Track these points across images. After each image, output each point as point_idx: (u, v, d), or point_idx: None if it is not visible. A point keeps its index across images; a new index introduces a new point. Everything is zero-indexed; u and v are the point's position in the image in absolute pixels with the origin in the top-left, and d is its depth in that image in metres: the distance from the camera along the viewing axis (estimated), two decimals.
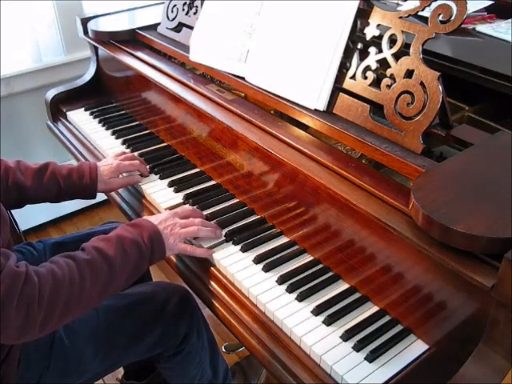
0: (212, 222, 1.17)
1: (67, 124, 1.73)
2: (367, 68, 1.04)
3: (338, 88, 1.09)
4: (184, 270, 1.15)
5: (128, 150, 1.49)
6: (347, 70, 1.07)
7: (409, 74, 0.97)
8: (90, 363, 1.12)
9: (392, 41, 1.01)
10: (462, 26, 0.92)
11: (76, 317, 0.94)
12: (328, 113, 1.09)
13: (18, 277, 0.84)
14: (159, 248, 1.05)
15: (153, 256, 1.05)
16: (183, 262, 1.16)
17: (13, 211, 1.23)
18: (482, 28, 1.37)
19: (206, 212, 1.22)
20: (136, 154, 1.44)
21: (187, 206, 1.21)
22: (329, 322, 0.94)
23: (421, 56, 0.95)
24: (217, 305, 1.06)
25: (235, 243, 1.12)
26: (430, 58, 1.12)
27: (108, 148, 1.52)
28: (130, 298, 1.20)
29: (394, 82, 0.99)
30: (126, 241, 1.01)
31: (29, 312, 0.84)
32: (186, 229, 1.10)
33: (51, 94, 1.78)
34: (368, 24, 1.04)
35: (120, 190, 1.40)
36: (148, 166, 1.40)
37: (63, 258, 0.94)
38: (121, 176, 1.34)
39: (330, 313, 0.95)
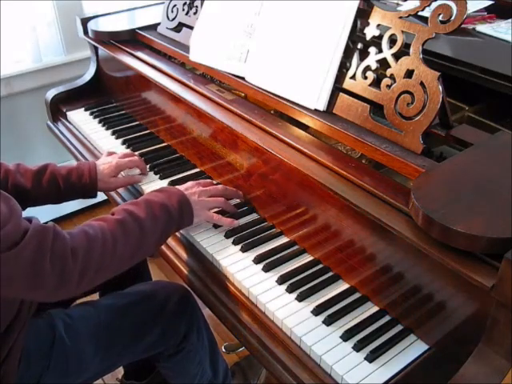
0: (233, 189, 1.22)
1: (67, 124, 1.73)
2: (367, 68, 1.04)
3: (338, 88, 1.09)
4: (184, 269, 1.15)
5: (128, 150, 1.49)
6: (347, 70, 1.07)
7: (409, 73, 0.97)
8: (91, 362, 1.12)
9: (392, 41, 1.01)
10: (462, 26, 0.92)
11: (107, 276, 0.96)
12: (328, 113, 1.09)
13: (47, 231, 0.86)
14: (188, 213, 1.07)
15: (182, 220, 1.07)
16: (183, 261, 1.16)
17: None
18: (482, 28, 1.37)
19: None
20: (136, 153, 1.44)
21: (207, 180, 1.23)
22: (329, 321, 0.94)
23: (421, 56, 0.95)
24: (217, 305, 1.06)
25: (235, 243, 1.12)
26: (430, 58, 1.12)
27: (108, 148, 1.52)
28: (130, 298, 1.21)
29: (394, 81, 0.99)
30: (154, 204, 1.02)
31: (64, 265, 0.86)
32: (214, 198, 1.14)
33: (51, 94, 1.78)
34: (368, 24, 1.04)
35: (120, 190, 1.40)
36: (148, 166, 1.40)
37: (94, 220, 0.97)
38: (121, 175, 1.34)
39: (330, 313, 0.95)
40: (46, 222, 0.94)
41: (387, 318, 0.95)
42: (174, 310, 1.21)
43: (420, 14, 0.98)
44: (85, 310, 1.16)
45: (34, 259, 0.83)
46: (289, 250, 1.11)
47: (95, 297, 1.34)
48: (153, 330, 1.18)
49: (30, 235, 0.84)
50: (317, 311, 0.96)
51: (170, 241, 1.20)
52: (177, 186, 1.15)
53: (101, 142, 1.55)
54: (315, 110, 1.10)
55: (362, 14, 1.05)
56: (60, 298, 0.91)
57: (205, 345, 1.29)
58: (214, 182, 1.33)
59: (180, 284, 1.26)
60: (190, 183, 1.16)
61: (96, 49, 1.76)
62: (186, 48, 1.39)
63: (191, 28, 1.40)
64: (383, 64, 1.02)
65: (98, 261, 0.91)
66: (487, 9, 1.48)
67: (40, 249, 0.84)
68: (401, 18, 0.99)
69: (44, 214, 2.39)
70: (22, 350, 1.03)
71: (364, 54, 1.05)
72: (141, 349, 1.19)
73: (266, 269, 1.05)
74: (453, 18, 0.91)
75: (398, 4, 1.49)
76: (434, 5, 0.94)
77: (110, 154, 1.37)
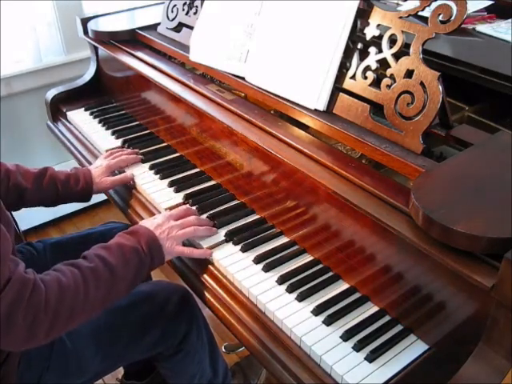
0: (205, 219, 1.19)
1: (67, 124, 1.73)
2: (367, 68, 1.04)
3: (338, 88, 1.09)
4: (184, 269, 1.15)
5: (129, 156, 1.49)
6: (347, 70, 1.07)
7: (409, 73, 0.97)
8: (91, 363, 1.12)
9: (392, 41, 1.01)
10: (462, 26, 0.92)
11: (79, 323, 0.95)
12: (328, 113, 1.09)
13: (27, 283, 0.85)
14: (158, 254, 1.06)
15: (152, 262, 1.05)
16: (183, 262, 1.16)
17: (13, 211, 1.24)
18: (482, 28, 1.37)
19: (206, 213, 1.22)
20: (126, 150, 1.47)
21: (181, 207, 1.20)
22: (329, 321, 0.94)
23: (421, 56, 0.95)
24: (217, 305, 1.06)
25: (235, 243, 1.12)
26: (430, 58, 1.12)
27: (108, 148, 1.52)
28: (130, 298, 1.20)
29: (394, 81, 0.99)
30: (125, 248, 1.02)
31: (35, 318, 0.85)
32: (183, 230, 1.11)
33: (51, 94, 1.78)
34: (368, 24, 1.04)
35: (120, 190, 1.40)
36: (148, 166, 1.41)
37: (67, 266, 0.95)
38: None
39: (330, 313, 0.95)
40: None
41: (387, 318, 0.95)
42: (174, 311, 1.21)
43: (420, 13, 0.98)
44: None
45: (9, 310, 0.82)
46: (289, 250, 1.11)
47: None
48: (153, 330, 1.18)
49: (11, 286, 0.83)
50: (317, 311, 0.96)
51: None
52: (148, 222, 1.11)
53: (101, 142, 1.55)
54: (315, 109, 1.10)
55: (362, 14, 1.05)
56: (26, 347, 0.90)
57: (204, 345, 1.29)
58: (213, 182, 1.33)
59: (180, 285, 1.26)
60: (161, 218, 1.12)
61: (96, 49, 1.76)
62: (186, 48, 1.39)
63: (191, 28, 1.40)
64: (383, 64, 1.02)
65: (69, 310, 0.90)
66: (487, 9, 1.48)
67: (17, 300, 0.83)
68: (401, 17, 0.99)
69: (44, 214, 2.40)
70: (22, 350, 1.03)
71: (364, 54, 1.05)
72: (141, 349, 1.19)
73: (266, 269, 1.05)
74: (453, 18, 0.91)
75: (397, 4, 1.49)
76: (434, 5, 0.94)
77: (108, 155, 1.42)
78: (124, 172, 1.39)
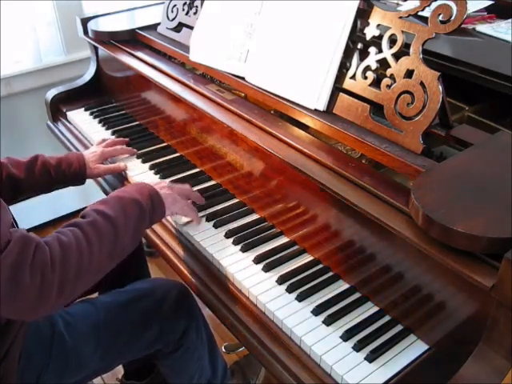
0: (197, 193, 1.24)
1: (67, 124, 1.73)
2: (367, 68, 1.04)
3: (337, 88, 1.09)
4: (184, 269, 1.15)
5: (124, 146, 1.50)
6: (347, 69, 1.07)
7: (409, 74, 0.97)
8: (90, 360, 1.13)
9: (392, 41, 1.01)
10: (462, 26, 0.92)
11: (91, 283, 0.94)
12: (328, 113, 1.09)
13: (30, 241, 0.84)
14: (159, 205, 1.08)
15: (154, 213, 1.06)
16: (183, 261, 1.16)
17: (13, 211, 1.23)
18: (482, 28, 1.37)
19: (206, 212, 1.22)
20: (122, 140, 1.50)
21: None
22: (329, 321, 0.94)
23: (421, 56, 0.95)
24: (217, 305, 1.06)
25: (235, 243, 1.12)
26: (430, 58, 1.12)
27: None
28: (128, 295, 1.21)
29: (394, 81, 0.99)
30: (125, 200, 1.02)
31: (43, 278, 0.83)
32: (182, 188, 1.17)
33: (51, 94, 1.78)
34: (368, 24, 1.04)
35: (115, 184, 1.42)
36: (148, 166, 1.41)
37: (66, 226, 0.95)
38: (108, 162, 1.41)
39: (330, 313, 0.95)
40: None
41: (387, 318, 0.95)
42: (173, 307, 1.21)
43: (420, 13, 0.98)
44: (84, 307, 1.16)
45: (14, 269, 0.81)
46: (289, 250, 1.11)
47: (95, 295, 1.34)
48: (152, 326, 1.19)
49: (13, 245, 0.82)
50: (317, 311, 0.96)
51: (170, 240, 1.20)
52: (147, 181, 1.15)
53: None
54: (315, 110, 1.10)
55: (362, 14, 1.05)
56: (39, 314, 0.88)
57: (204, 342, 1.30)
58: (213, 182, 1.34)
59: (178, 281, 1.26)
60: (158, 180, 1.18)
61: (96, 49, 1.76)
62: (186, 48, 1.39)
63: (191, 28, 1.40)
64: (383, 64, 1.02)
65: (76, 268, 0.88)
66: (487, 9, 1.48)
67: (21, 259, 0.82)
68: (401, 17, 0.99)
69: (44, 214, 2.40)
70: (22, 347, 1.03)
71: (364, 54, 1.05)
72: (140, 346, 1.20)
73: (266, 269, 1.05)
74: (453, 18, 0.91)
75: (397, 4, 1.49)
76: (434, 5, 0.94)
77: (100, 142, 1.45)
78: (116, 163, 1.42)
